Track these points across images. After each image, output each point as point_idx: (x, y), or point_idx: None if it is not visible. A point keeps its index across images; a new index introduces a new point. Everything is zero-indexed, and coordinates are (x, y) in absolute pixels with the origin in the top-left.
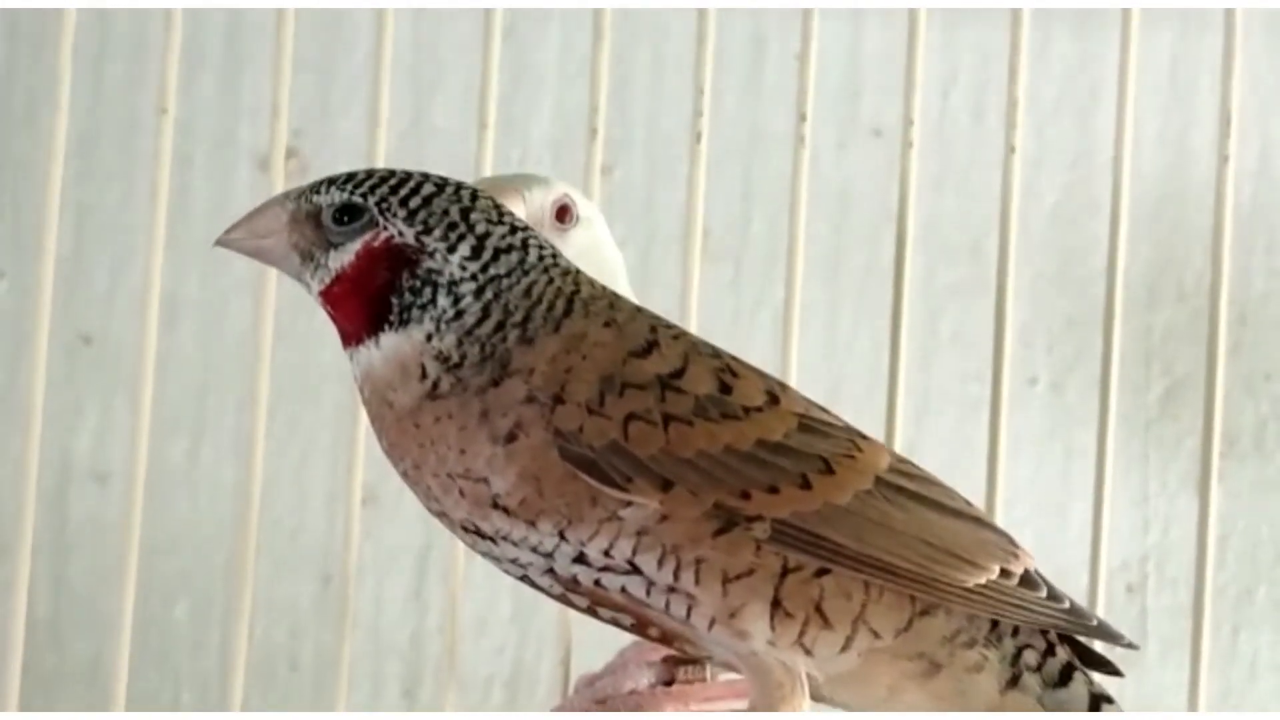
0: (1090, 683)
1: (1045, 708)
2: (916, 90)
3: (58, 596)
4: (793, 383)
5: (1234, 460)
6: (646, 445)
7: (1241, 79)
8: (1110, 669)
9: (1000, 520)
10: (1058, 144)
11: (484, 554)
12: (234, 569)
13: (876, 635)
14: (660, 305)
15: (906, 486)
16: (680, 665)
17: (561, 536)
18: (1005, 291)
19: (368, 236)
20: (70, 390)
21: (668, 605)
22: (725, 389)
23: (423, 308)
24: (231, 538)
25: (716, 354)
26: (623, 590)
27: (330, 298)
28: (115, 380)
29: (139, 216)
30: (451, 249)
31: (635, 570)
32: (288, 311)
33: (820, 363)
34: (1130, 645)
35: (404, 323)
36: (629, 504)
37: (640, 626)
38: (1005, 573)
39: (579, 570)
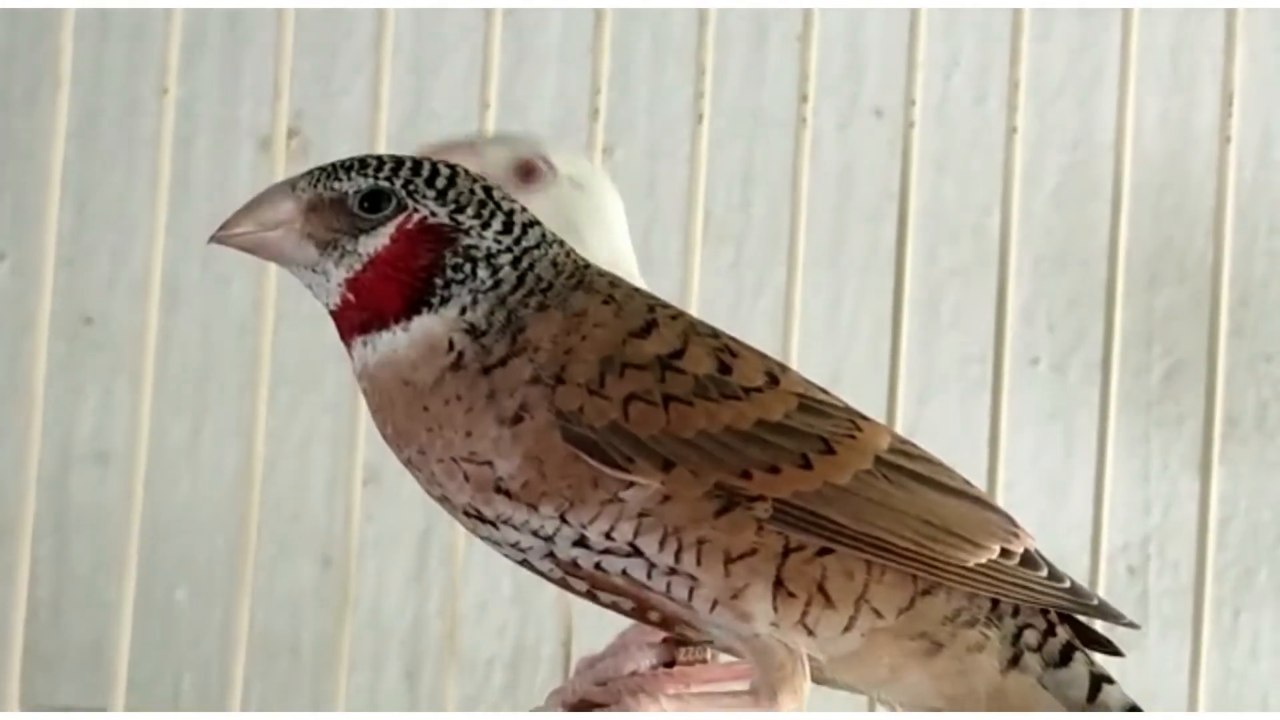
0: (1091, 663)
1: (1045, 687)
2: (918, 71)
3: (59, 578)
4: (794, 363)
5: (1235, 441)
6: (647, 425)
7: (1243, 61)
8: (1111, 649)
9: (1001, 501)
10: (1059, 125)
11: (485, 539)
12: (235, 551)
13: (879, 615)
14: (661, 287)
15: (907, 466)
16: (681, 647)
17: (563, 519)
18: (1007, 272)
19: (400, 219)
20: (71, 372)
21: (669, 588)
22: (725, 369)
23: (461, 283)
24: (232, 520)
25: (715, 334)
26: (624, 573)
27: (361, 284)
28: (116, 362)
29: (140, 197)
30: (485, 225)
31: (637, 552)
32: (289, 293)
33: (822, 343)
34: (1131, 624)
35: (444, 301)
36: (630, 485)
37: (640, 610)
38: (1006, 552)
39: (579, 554)
